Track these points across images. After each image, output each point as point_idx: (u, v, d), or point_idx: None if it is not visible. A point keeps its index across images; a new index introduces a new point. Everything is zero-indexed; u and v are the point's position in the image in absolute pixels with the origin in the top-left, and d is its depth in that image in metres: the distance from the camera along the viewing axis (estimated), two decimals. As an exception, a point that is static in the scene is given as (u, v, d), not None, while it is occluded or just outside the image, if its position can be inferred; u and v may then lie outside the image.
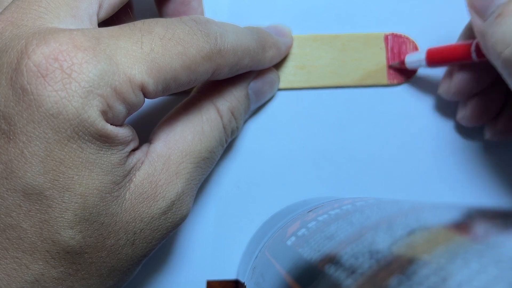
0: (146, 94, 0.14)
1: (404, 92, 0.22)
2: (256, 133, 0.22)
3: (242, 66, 0.17)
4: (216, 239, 0.21)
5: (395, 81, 0.22)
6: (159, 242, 0.16)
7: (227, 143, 0.19)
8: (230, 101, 0.18)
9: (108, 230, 0.14)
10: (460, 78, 0.20)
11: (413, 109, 0.22)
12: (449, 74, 0.21)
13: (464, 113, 0.21)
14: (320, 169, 0.22)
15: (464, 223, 0.10)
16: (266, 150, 0.22)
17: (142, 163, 0.15)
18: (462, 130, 0.22)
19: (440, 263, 0.09)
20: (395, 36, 0.22)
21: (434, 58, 0.20)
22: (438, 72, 0.22)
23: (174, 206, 0.16)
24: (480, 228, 0.10)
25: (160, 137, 0.16)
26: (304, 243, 0.14)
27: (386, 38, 0.22)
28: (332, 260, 0.11)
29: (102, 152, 0.13)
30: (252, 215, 0.21)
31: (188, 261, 0.21)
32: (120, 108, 0.14)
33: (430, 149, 0.22)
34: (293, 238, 0.15)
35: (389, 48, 0.22)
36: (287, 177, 0.22)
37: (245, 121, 0.22)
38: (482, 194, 0.22)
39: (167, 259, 0.21)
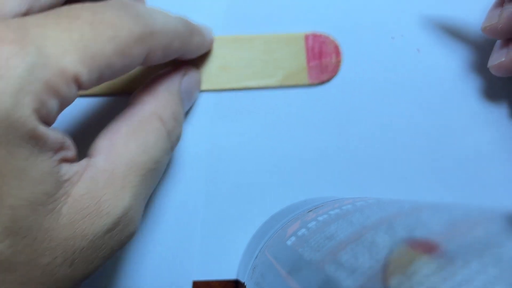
0: (80, 85, 0.13)
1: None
2: (255, 134, 0.22)
3: (174, 50, 0.17)
4: (216, 239, 0.21)
5: (316, 81, 0.22)
6: (103, 262, 0.15)
7: (172, 151, 0.18)
8: (169, 107, 0.18)
9: (43, 247, 0.13)
10: None
11: (411, 106, 0.22)
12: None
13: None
14: (320, 169, 0.22)
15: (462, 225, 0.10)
16: (265, 150, 0.22)
17: (80, 176, 0.14)
18: (461, 129, 0.22)
19: (440, 263, 0.09)
20: (316, 36, 0.22)
21: None
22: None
23: (120, 222, 0.15)
24: (480, 228, 0.10)
25: (101, 151, 0.15)
26: (304, 243, 0.14)
27: (306, 38, 0.22)
28: (332, 260, 0.11)
29: (32, 157, 0.12)
30: (252, 215, 0.21)
31: (188, 261, 0.21)
32: (52, 103, 0.13)
33: (428, 148, 0.22)
34: (293, 238, 0.15)
35: (309, 48, 0.22)
36: (287, 177, 0.22)
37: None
38: (482, 194, 0.22)
39: (166, 259, 0.21)
